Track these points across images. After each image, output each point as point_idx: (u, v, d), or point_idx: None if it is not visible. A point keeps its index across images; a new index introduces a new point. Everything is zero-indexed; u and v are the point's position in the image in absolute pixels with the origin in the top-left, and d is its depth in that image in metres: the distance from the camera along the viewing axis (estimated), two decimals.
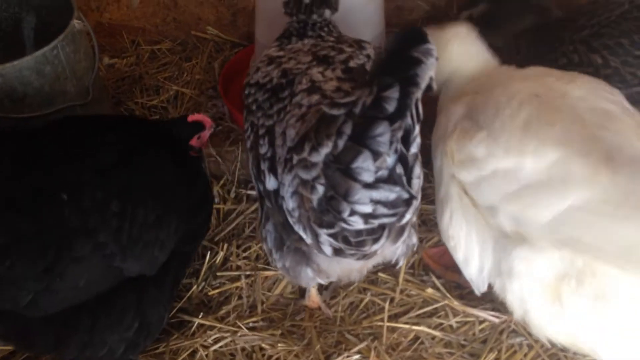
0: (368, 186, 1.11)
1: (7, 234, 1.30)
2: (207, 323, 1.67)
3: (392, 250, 1.37)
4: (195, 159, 1.76)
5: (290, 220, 1.30)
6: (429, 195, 1.89)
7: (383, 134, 1.06)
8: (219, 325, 1.66)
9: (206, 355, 1.62)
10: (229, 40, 2.53)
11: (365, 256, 1.27)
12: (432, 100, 1.87)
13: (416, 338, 1.63)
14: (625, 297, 1.27)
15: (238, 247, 1.85)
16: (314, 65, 1.45)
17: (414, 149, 1.14)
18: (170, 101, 2.31)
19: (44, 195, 1.35)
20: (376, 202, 1.12)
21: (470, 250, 1.48)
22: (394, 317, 1.66)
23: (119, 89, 2.39)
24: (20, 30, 2.11)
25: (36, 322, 1.36)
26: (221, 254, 1.82)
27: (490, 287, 1.49)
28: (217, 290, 1.76)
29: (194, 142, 1.72)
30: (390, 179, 1.12)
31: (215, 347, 1.63)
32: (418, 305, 1.69)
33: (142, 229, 1.43)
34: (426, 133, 1.99)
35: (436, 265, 1.77)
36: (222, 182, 2.02)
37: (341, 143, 1.09)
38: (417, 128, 1.12)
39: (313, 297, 1.69)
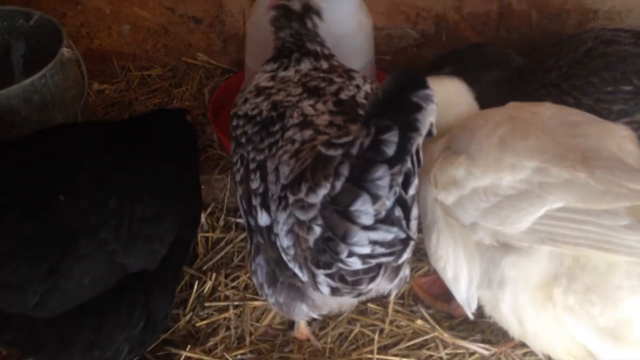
0: (367, 228, 1.10)
1: (7, 240, 1.32)
2: (195, 356, 1.64)
3: (387, 285, 1.37)
4: (187, 144, 1.79)
5: (285, 257, 1.28)
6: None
7: (382, 177, 1.05)
8: (206, 358, 1.63)
9: None
10: (219, 67, 2.53)
11: (361, 294, 1.26)
12: None
13: None
14: (613, 288, 1.27)
15: (226, 276, 1.83)
16: (305, 97, 1.43)
17: (412, 190, 1.13)
18: None
19: (42, 198, 1.37)
20: (374, 243, 1.12)
21: (459, 267, 1.49)
22: (383, 349, 1.64)
23: (108, 115, 2.38)
24: (10, 57, 2.10)
25: (43, 324, 1.38)
26: (209, 284, 1.80)
27: (480, 309, 1.49)
28: (205, 322, 1.73)
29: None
30: (389, 220, 1.11)
31: None
32: (408, 337, 1.67)
33: (141, 224, 1.46)
34: None
35: (425, 294, 1.76)
36: (210, 209, 2.01)
37: (339, 184, 1.08)
38: (417, 172, 1.11)
39: (302, 329, 1.67)
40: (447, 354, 1.63)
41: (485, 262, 1.41)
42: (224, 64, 2.53)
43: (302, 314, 1.44)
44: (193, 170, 1.80)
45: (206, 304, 1.77)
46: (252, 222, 1.38)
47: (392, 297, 1.61)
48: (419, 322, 1.68)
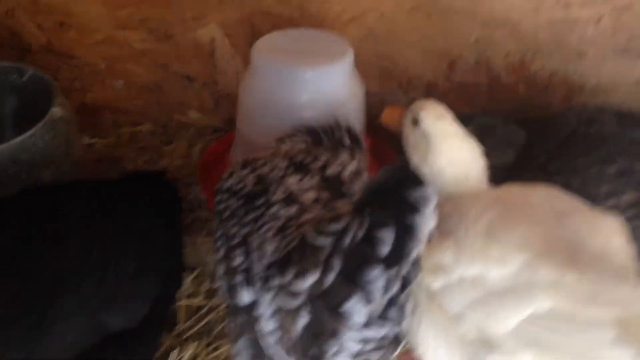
0: (358, 327, 1.06)
1: None
2: None
3: None
4: (170, 202, 1.79)
5: (266, 341, 1.25)
6: None
7: (377, 278, 1.00)
8: None
9: None
10: (210, 125, 2.54)
11: None
12: None
13: None
14: None
15: (207, 345, 1.78)
16: (290, 173, 1.42)
17: (408, 292, 1.11)
18: None
19: (25, 249, 1.34)
20: (365, 341, 1.09)
21: (439, 357, 1.44)
22: None
23: (96, 170, 2.36)
24: (1, 112, 2.10)
25: None
26: (189, 353, 1.74)
27: None
28: None
29: None
30: (382, 317, 1.08)
31: None
32: None
33: (124, 280, 1.42)
34: None
35: None
36: (195, 274, 1.97)
37: (330, 277, 1.03)
38: (416, 279, 1.09)
39: None
40: None
41: (466, 357, 1.36)
42: (216, 123, 2.55)
43: None
44: (177, 229, 1.78)
45: None
46: (233, 302, 1.33)
47: None
48: None
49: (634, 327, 1.18)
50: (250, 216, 1.35)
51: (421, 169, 1.62)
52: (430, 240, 1.03)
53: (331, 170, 1.45)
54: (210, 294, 1.95)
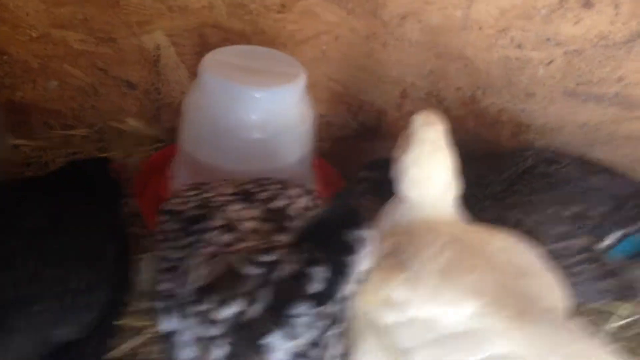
0: None
1: None
2: None
3: None
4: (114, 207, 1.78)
5: None
6: None
7: (303, 315, 0.98)
8: None
9: None
10: (149, 135, 2.42)
11: None
12: None
13: None
14: None
15: None
16: (234, 200, 1.37)
17: (335, 331, 1.06)
18: None
19: None
20: None
21: None
22: None
23: (21, 175, 2.20)
24: None
25: None
26: None
27: None
28: None
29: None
30: (305, 356, 1.03)
31: None
32: None
33: (77, 294, 1.40)
34: None
35: None
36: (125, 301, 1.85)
37: (256, 309, 1.00)
38: (342, 319, 1.05)
39: None
40: None
41: None
42: (156, 133, 2.42)
43: None
44: (123, 226, 1.74)
45: None
46: (159, 327, 1.27)
47: None
48: None
49: None
50: (184, 241, 1.29)
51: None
52: (362, 281, 1.00)
53: (277, 203, 1.39)
54: (142, 313, 1.83)
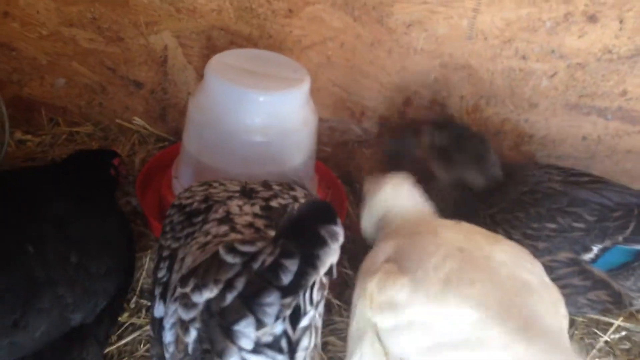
0: (244, 350, 1.05)
1: None
2: None
3: None
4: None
5: (166, 355, 1.22)
6: (342, 330, 1.83)
7: (272, 304, 1.00)
8: None
9: None
10: (154, 134, 2.44)
11: None
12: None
13: None
14: None
15: None
16: (236, 197, 1.42)
17: (305, 322, 1.08)
18: None
19: (12, 248, 1.40)
20: None
21: None
22: None
23: None
24: None
25: None
26: None
27: None
28: None
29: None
30: (275, 346, 1.07)
31: None
32: None
33: (94, 280, 1.50)
34: (345, 263, 2.00)
35: None
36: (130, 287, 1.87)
37: (230, 297, 1.03)
38: (309, 311, 1.08)
39: None
40: None
41: None
42: (161, 132, 2.45)
43: None
44: (124, 217, 1.83)
45: None
46: (152, 314, 1.31)
47: None
48: None
49: None
50: (185, 232, 1.35)
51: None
52: (332, 274, 1.04)
53: (278, 202, 1.43)
54: (137, 310, 1.85)
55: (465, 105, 2.19)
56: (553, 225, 1.74)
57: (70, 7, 2.17)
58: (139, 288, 1.89)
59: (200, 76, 2.26)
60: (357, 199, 1.85)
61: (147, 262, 1.92)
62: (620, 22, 1.94)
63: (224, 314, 1.04)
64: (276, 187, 1.48)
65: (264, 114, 1.81)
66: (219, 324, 1.05)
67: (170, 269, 1.30)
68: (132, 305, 1.86)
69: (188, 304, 1.09)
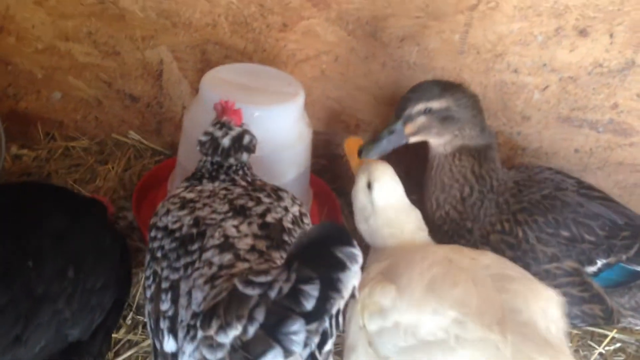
0: None
1: None
2: None
3: None
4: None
5: None
6: (338, 344, 1.83)
7: (298, 332, 0.99)
8: None
9: None
10: (150, 148, 2.45)
11: None
12: None
13: None
14: None
15: None
16: (230, 217, 1.38)
17: (329, 346, 1.08)
18: None
19: (12, 262, 1.41)
20: None
21: None
22: None
23: None
24: None
25: None
26: None
27: None
28: None
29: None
30: None
31: None
32: None
33: (90, 294, 1.50)
34: None
35: None
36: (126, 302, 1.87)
37: (252, 330, 1.01)
38: (335, 334, 1.07)
39: None
40: None
41: None
42: (157, 145, 2.46)
43: None
44: (118, 233, 1.83)
45: None
46: (158, 345, 1.28)
47: None
48: None
49: None
50: (182, 261, 1.30)
51: (360, 224, 1.76)
52: (355, 296, 1.03)
53: (272, 216, 1.41)
54: (134, 327, 1.85)
55: None
56: (567, 234, 1.77)
57: (66, 22, 2.19)
58: (135, 304, 1.89)
59: (195, 90, 2.28)
60: (352, 210, 1.86)
61: (143, 278, 1.93)
62: (611, 36, 1.97)
63: (248, 348, 1.02)
64: (266, 200, 1.46)
65: (259, 128, 1.81)
66: (245, 358, 1.03)
67: (174, 302, 1.26)
68: (129, 321, 1.86)
69: (213, 345, 1.08)
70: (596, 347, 1.96)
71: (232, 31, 2.15)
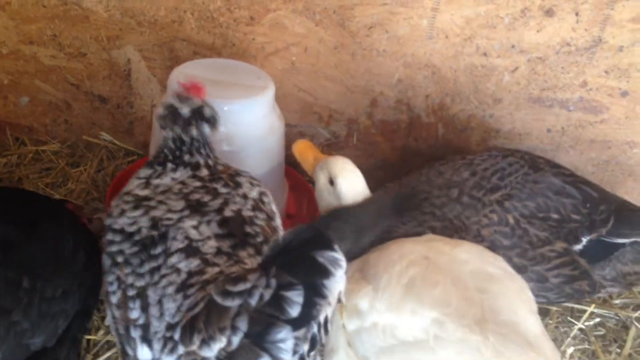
0: None
1: None
2: None
3: None
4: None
5: None
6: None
7: (285, 340, 0.97)
8: None
9: None
10: (123, 148, 2.42)
11: None
12: None
13: None
14: None
15: None
16: (187, 216, 1.33)
17: (314, 351, 1.07)
18: None
19: None
20: None
21: None
22: None
23: None
24: None
25: None
26: None
27: None
28: None
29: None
30: None
31: None
32: None
33: (50, 303, 1.45)
34: None
35: None
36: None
37: (236, 340, 0.99)
38: (324, 339, 1.05)
39: None
40: None
41: None
42: (129, 145, 2.43)
43: None
44: (92, 235, 1.77)
45: None
46: (130, 352, 1.24)
47: None
48: None
49: None
50: (147, 267, 1.26)
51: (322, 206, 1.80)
52: (341, 300, 1.01)
53: (230, 209, 1.37)
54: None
55: (431, 104, 2.21)
56: (556, 216, 1.78)
57: (29, 25, 2.15)
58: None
59: (165, 88, 2.25)
60: None
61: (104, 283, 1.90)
62: (577, 14, 1.97)
63: (234, 358, 1.00)
64: (223, 190, 1.41)
65: (229, 123, 1.80)
66: None
67: (144, 310, 1.21)
68: (107, 322, 1.84)
69: (198, 359, 1.06)
70: (576, 322, 1.98)
71: (199, 27, 2.13)
